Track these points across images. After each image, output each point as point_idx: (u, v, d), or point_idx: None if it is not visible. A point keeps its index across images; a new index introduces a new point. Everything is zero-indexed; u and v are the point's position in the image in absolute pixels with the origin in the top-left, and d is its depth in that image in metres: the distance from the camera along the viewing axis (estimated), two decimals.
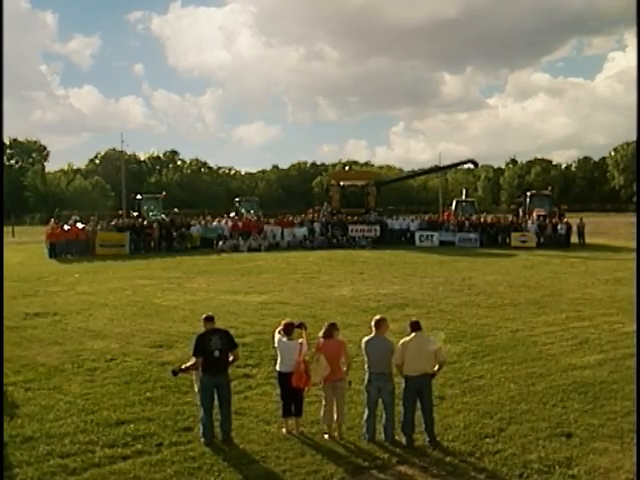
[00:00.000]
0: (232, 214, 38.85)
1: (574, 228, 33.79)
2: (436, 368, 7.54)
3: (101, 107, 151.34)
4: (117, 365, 10.69)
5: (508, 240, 33.47)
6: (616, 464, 6.71)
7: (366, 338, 7.63)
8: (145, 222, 33.70)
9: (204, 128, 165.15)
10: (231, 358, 7.71)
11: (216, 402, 7.56)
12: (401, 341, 7.51)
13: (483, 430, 7.68)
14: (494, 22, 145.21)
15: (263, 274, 22.73)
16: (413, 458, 6.99)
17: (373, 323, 7.65)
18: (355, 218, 35.99)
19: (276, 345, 7.83)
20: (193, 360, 7.57)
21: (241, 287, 19.45)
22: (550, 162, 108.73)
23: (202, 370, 7.50)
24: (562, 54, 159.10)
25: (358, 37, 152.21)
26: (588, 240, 33.93)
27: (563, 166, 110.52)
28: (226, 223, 35.11)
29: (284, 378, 7.63)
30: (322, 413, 7.63)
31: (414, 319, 7.79)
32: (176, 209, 42.91)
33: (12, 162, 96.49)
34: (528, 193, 40.54)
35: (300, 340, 7.69)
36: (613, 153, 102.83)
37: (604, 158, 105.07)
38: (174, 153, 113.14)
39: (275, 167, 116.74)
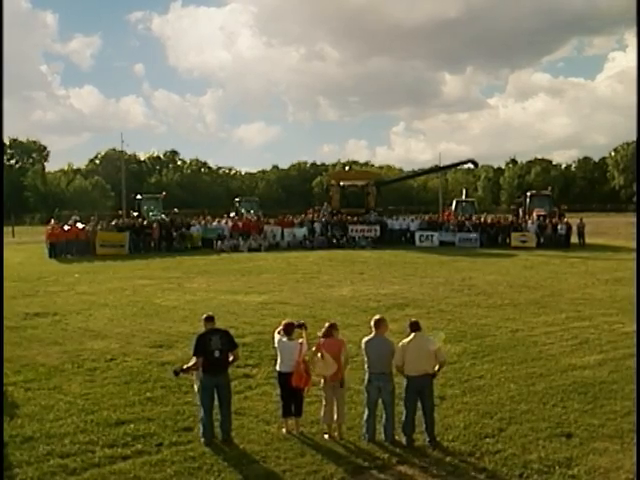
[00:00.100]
0: (232, 214, 38.87)
1: (574, 228, 33.78)
2: (437, 368, 7.54)
3: (101, 107, 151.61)
4: (117, 365, 10.69)
5: (508, 240, 33.47)
6: (616, 464, 6.71)
7: (366, 338, 7.63)
8: (145, 222, 33.72)
9: (204, 128, 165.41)
10: (231, 358, 7.71)
11: (216, 402, 7.56)
12: (401, 342, 7.51)
13: (483, 430, 7.68)
14: (495, 22, 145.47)
15: (263, 274, 22.73)
16: (413, 458, 6.99)
17: (373, 323, 7.65)
18: (355, 218, 36.00)
19: (276, 345, 7.83)
20: (193, 360, 7.57)
21: (241, 287, 19.45)
22: (550, 162, 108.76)
23: (202, 370, 7.50)
24: (563, 54, 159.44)
25: (359, 37, 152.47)
26: (588, 240, 33.93)
27: (563, 166, 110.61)
28: (226, 223, 35.13)
29: (284, 378, 7.63)
30: (322, 413, 7.63)
31: (413, 319, 7.79)
32: (176, 209, 42.94)
33: (12, 162, 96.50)
34: (528, 193, 40.55)
35: (300, 340, 7.69)
36: (613, 153, 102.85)
37: (604, 158, 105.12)
38: (174, 153, 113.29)
39: (275, 167, 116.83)
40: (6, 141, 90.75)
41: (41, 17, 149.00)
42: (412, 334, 7.49)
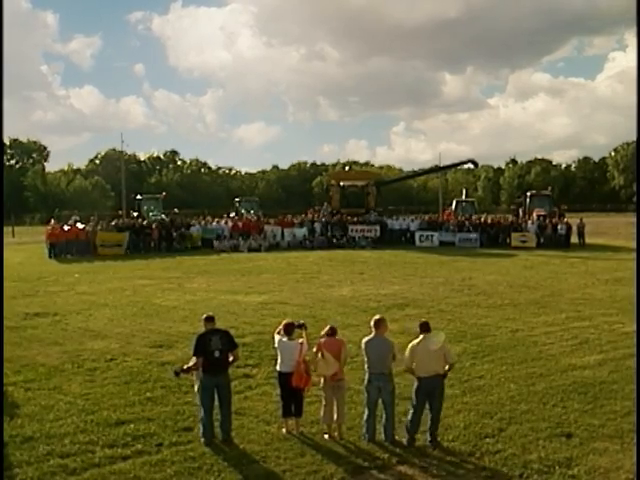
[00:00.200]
0: (232, 214, 38.88)
1: (574, 228, 33.78)
2: (447, 368, 7.51)
3: (102, 107, 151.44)
4: (117, 365, 10.69)
5: (508, 240, 33.46)
6: (616, 464, 6.72)
7: (366, 338, 7.63)
8: (145, 222, 33.72)
9: (205, 128, 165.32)
10: (231, 358, 7.71)
11: (216, 402, 7.56)
12: (411, 344, 7.49)
13: (483, 430, 7.68)
14: (495, 22, 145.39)
15: (263, 274, 22.74)
16: (413, 458, 6.99)
17: (372, 323, 7.65)
18: (355, 218, 36.00)
19: (276, 345, 7.83)
20: (193, 360, 7.57)
21: (241, 287, 19.46)
22: (550, 162, 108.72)
23: (202, 370, 7.50)
24: (563, 54, 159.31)
25: (359, 37, 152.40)
26: (588, 240, 33.92)
27: (563, 166, 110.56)
28: (226, 223, 35.14)
29: (284, 378, 7.63)
30: (322, 413, 7.63)
31: (423, 320, 7.76)
32: (176, 209, 42.97)
33: (12, 162, 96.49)
34: (528, 193, 40.53)
35: (300, 340, 7.70)
36: (613, 153, 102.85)
37: (604, 158, 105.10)
38: (174, 153, 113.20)
39: (275, 167, 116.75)
40: (6, 141, 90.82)
41: (41, 17, 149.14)
42: (422, 335, 7.48)
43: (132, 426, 7.83)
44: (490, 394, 9.03)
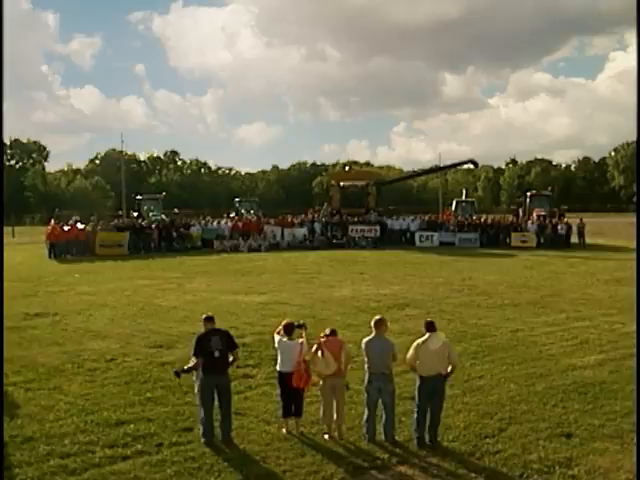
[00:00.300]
0: (232, 214, 38.88)
1: (574, 228, 33.80)
2: (449, 369, 7.50)
3: (102, 107, 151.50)
4: (117, 365, 10.69)
5: (508, 240, 33.50)
6: (616, 464, 6.72)
7: (366, 338, 7.62)
8: (145, 222, 33.71)
9: (205, 128, 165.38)
10: (231, 359, 7.71)
11: (216, 402, 7.56)
12: (416, 342, 7.48)
13: (483, 430, 7.68)
14: (495, 22, 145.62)
15: (263, 274, 22.73)
16: (413, 458, 6.99)
17: (373, 323, 7.65)
18: (355, 218, 36.00)
19: (276, 345, 7.82)
20: (194, 360, 7.57)
21: (241, 287, 19.45)
22: (550, 162, 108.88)
23: (202, 370, 7.50)
24: (563, 54, 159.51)
25: (359, 37, 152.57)
26: (588, 240, 33.93)
27: (563, 166, 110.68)
28: (226, 223, 35.15)
29: (284, 378, 7.63)
30: (322, 413, 7.63)
31: (429, 319, 7.74)
32: (176, 209, 42.97)
33: (12, 162, 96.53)
34: (528, 193, 40.55)
35: (300, 340, 7.69)
36: (613, 153, 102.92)
37: (604, 158, 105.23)
38: (174, 153, 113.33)
39: (275, 167, 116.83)
40: (6, 141, 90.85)
41: (42, 17, 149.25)
42: (427, 334, 7.47)
43: (132, 426, 7.83)
44: (490, 394, 9.02)
